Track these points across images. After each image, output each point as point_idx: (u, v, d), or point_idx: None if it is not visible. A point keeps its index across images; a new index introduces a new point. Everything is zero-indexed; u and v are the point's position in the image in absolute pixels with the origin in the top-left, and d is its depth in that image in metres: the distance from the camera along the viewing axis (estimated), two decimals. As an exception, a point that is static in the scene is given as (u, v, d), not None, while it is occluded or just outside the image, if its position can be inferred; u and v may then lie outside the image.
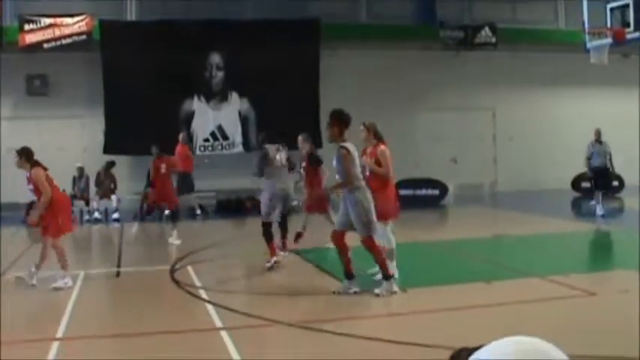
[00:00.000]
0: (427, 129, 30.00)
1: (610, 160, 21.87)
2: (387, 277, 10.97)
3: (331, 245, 14.73)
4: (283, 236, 15.17)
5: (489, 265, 14.05)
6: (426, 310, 10.01)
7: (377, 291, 10.78)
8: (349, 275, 11.08)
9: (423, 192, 26.85)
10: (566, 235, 17.58)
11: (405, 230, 16.49)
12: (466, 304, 10.27)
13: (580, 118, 30.06)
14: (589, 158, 21.65)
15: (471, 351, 2.69)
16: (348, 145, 11.16)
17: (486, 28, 30.11)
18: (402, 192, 26.06)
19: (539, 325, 8.51)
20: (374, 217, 11.00)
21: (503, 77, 30.62)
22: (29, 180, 12.35)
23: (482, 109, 30.73)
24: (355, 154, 11.27)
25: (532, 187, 29.42)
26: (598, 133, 21.82)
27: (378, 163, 12.00)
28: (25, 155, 12.42)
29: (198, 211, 24.00)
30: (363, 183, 11.17)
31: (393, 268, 11.51)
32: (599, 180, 21.61)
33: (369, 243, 11.04)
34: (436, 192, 27.06)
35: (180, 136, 23.77)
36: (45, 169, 12.34)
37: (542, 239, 16.88)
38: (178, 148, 23.04)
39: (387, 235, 11.73)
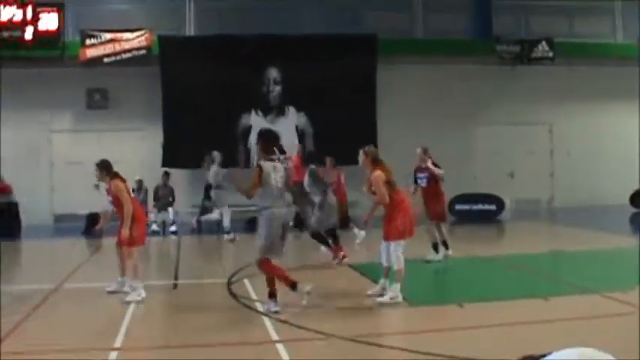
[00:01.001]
0: (484, 144, 29.88)
1: None
2: (293, 286, 11.24)
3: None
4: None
5: (547, 281, 13.96)
6: (482, 325, 9.98)
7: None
8: (273, 294, 11.14)
9: (480, 207, 26.75)
10: (624, 252, 17.39)
11: (462, 245, 16.49)
12: (524, 319, 10.23)
13: (638, 133, 29.80)
14: None
15: (537, 358, 2.73)
16: (267, 163, 11.18)
17: (543, 43, 29.97)
18: (459, 207, 26.14)
19: (597, 341, 8.39)
20: (271, 241, 11.08)
21: (560, 92, 30.40)
22: (108, 192, 12.55)
23: (539, 123, 30.54)
24: (277, 173, 11.27)
25: (589, 202, 29.15)
26: None
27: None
28: (105, 168, 12.64)
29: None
30: (280, 203, 11.27)
31: (397, 289, 11.49)
32: None
33: (261, 266, 11.19)
34: (493, 207, 26.93)
35: (297, 148, 24.19)
36: (124, 180, 12.51)
37: (599, 255, 16.72)
38: (296, 160, 23.58)
39: (396, 255, 11.62)
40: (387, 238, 11.72)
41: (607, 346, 7.89)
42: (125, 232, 12.02)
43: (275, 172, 11.27)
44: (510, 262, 16.18)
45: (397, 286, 11.46)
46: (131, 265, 12.14)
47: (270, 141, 12.00)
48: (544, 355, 2.74)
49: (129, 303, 11.53)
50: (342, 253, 16.08)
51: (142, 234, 12.53)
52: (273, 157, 11.53)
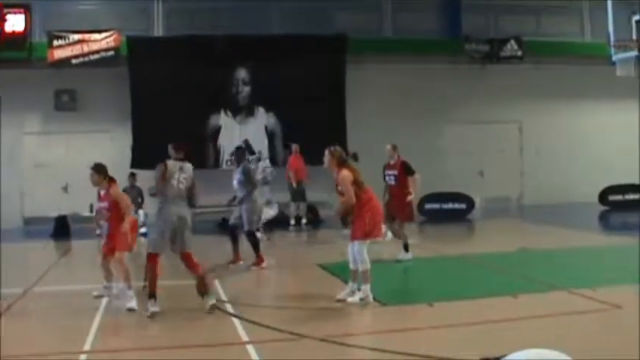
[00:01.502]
0: (453, 142, 29.96)
1: None
2: (203, 293, 11.28)
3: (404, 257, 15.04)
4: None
5: (516, 279, 14.00)
6: (452, 324, 10.00)
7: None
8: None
9: (450, 205, 26.82)
10: (593, 249, 17.51)
11: (431, 244, 16.53)
12: (493, 317, 10.26)
13: (606, 131, 30.03)
14: None
15: (492, 361, 2.73)
16: (173, 163, 11.44)
17: (512, 42, 30.12)
18: (428, 206, 26.21)
19: (566, 338, 8.51)
20: (160, 237, 11.29)
21: (529, 90, 30.53)
22: (103, 197, 12.43)
23: (508, 122, 30.66)
24: (182, 173, 11.67)
25: (559, 200, 29.29)
26: None
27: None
28: (103, 172, 12.46)
29: (304, 221, 24.33)
30: (179, 202, 11.44)
31: (367, 290, 11.46)
32: None
33: (148, 260, 11.48)
34: (463, 205, 27.02)
35: (295, 147, 24.43)
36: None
37: (569, 252, 16.83)
38: (294, 160, 24.36)
39: (362, 256, 11.54)
40: (353, 237, 11.66)
41: (575, 343, 7.96)
42: (124, 237, 11.96)
43: (180, 172, 11.38)
44: (480, 260, 16.23)
45: (367, 287, 11.43)
46: (124, 270, 12.01)
47: (182, 142, 12.23)
48: (503, 356, 2.74)
49: (132, 310, 11.42)
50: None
51: (133, 239, 12.51)
52: (182, 157, 11.62)
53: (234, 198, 16.29)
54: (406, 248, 15.94)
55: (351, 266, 11.69)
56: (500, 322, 9.99)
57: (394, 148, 16.56)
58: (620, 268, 14.51)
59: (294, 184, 24.07)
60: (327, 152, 11.92)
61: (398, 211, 16.09)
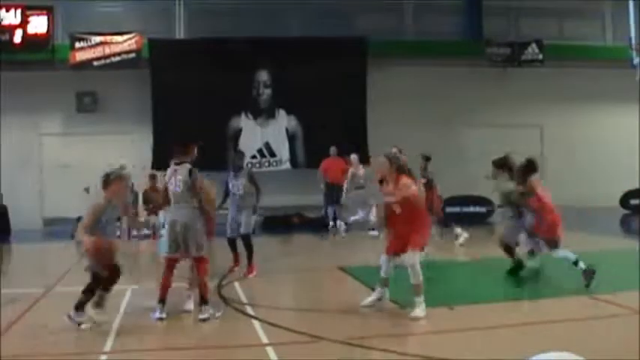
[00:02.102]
0: (474, 145, 29.87)
1: None
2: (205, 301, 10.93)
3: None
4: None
5: (537, 283, 13.96)
6: (471, 328, 9.98)
7: (201, 316, 10.77)
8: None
9: (471, 209, 26.79)
10: (615, 253, 17.42)
11: (452, 247, 16.49)
12: (513, 322, 10.24)
13: (628, 135, 29.86)
14: None
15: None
16: (169, 168, 11.43)
17: (533, 45, 30.04)
18: (449, 209, 26.13)
19: (587, 343, 8.49)
20: (170, 241, 11.16)
21: (550, 94, 30.43)
22: None
23: (529, 125, 30.56)
24: (176, 176, 11.43)
25: (580, 204, 29.11)
26: None
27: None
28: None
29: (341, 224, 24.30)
30: (180, 204, 11.24)
31: (422, 304, 10.86)
32: None
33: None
34: (483, 209, 26.99)
35: (332, 150, 24.52)
36: None
37: (590, 257, 16.71)
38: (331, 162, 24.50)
39: (417, 266, 10.95)
40: (410, 246, 10.91)
41: (596, 347, 7.93)
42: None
43: (175, 175, 11.35)
44: (500, 264, 16.17)
45: (421, 301, 10.88)
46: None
47: (180, 143, 12.28)
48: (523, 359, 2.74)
49: (188, 311, 11.41)
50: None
51: None
52: (182, 159, 11.58)
53: (224, 201, 15.88)
54: None
55: (384, 274, 11.35)
56: (519, 327, 9.97)
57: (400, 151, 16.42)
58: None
59: (328, 187, 23.94)
60: (384, 158, 11.20)
61: None
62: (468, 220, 25.46)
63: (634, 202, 28.35)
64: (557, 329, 9.77)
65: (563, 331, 9.66)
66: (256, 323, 10.43)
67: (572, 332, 9.55)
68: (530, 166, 13.99)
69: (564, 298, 11.88)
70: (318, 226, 24.28)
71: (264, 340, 9.49)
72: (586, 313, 10.73)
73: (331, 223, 23.99)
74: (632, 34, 21.52)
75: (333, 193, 23.75)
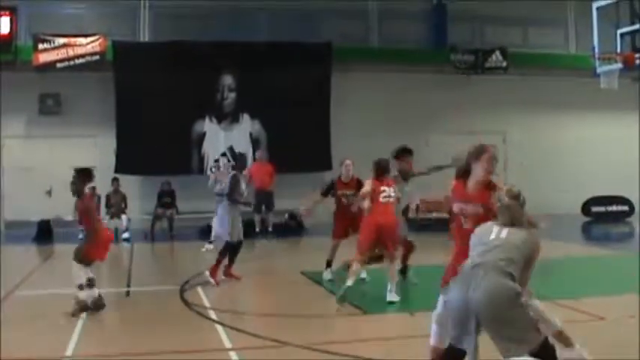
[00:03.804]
0: (438, 152, 29.89)
1: None
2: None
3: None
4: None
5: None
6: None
7: None
8: None
9: (434, 215, 26.87)
10: (576, 259, 17.57)
11: (416, 254, 16.51)
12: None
13: (590, 143, 30.13)
14: None
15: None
16: None
17: (497, 52, 30.19)
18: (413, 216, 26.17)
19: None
20: None
21: (514, 101, 30.62)
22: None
23: (493, 133, 30.58)
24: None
25: (542, 211, 29.02)
26: None
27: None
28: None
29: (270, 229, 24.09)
30: None
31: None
32: None
33: None
34: (446, 215, 27.05)
35: (259, 154, 24.36)
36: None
37: (552, 263, 16.85)
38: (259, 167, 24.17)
39: None
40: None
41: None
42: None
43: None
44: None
45: None
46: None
47: None
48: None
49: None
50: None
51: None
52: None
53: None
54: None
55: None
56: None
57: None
58: (603, 280, 14.58)
59: (256, 193, 23.41)
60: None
61: None
62: (430, 226, 25.59)
63: (595, 209, 28.59)
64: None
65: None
66: (220, 328, 10.41)
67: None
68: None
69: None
70: (280, 230, 24.22)
71: (228, 345, 9.48)
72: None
73: (257, 229, 23.82)
74: (595, 43, 21.67)
75: (261, 199, 23.45)
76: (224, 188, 17.74)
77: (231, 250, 15.12)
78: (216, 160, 27.36)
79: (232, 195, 15.26)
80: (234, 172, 16.08)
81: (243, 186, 15.55)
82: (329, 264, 15.07)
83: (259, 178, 23.42)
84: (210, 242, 19.97)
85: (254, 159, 25.89)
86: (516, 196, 7.18)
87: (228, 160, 26.02)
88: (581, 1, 27.53)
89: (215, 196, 19.76)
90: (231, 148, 27.75)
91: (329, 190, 15.56)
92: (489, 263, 6.46)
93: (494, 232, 6.81)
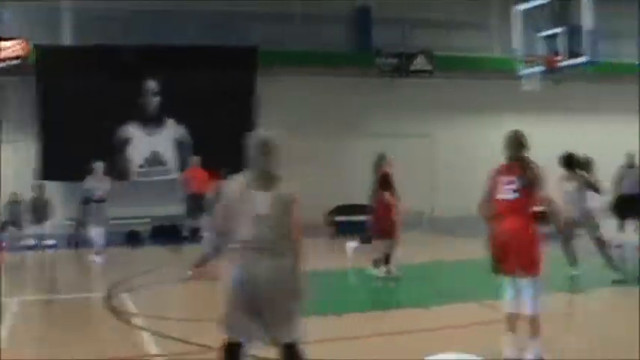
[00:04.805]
0: (364, 155, 29.98)
1: None
2: None
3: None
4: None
5: (429, 291, 14.11)
6: (365, 335, 10.01)
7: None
8: None
9: (360, 218, 26.91)
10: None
11: (344, 256, 16.54)
12: (405, 329, 10.30)
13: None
14: (617, 182, 20.10)
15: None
16: None
17: (422, 56, 30.40)
18: (338, 218, 26.27)
19: (476, 348, 8.55)
20: None
21: (439, 104, 30.88)
22: None
23: (419, 135, 30.88)
24: None
25: (470, 213, 29.39)
26: (630, 157, 20.29)
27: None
28: None
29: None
30: None
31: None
32: (628, 207, 19.65)
33: None
34: (371, 218, 27.13)
35: (194, 160, 24.09)
36: None
37: (480, 264, 16.94)
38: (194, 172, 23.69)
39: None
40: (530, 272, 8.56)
41: (485, 353, 8.00)
42: None
43: None
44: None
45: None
46: None
47: None
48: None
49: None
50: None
51: None
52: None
53: None
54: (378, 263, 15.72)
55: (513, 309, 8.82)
56: (412, 333, 10.03)
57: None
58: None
59: (192, 197, 23.28)
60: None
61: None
62: (356, 229, 25.65)
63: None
64: (448, 335, 9.88)
65: (454, 337, 9.77)
66: (146, 334, 10.28)
67: (464, 338, 9.66)
68: None
69: (455, 305, 12.02)
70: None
71: (154, 351, 9.37)
72: (476, 319, 10.87)
73: (186, 234, 23.61)
74: (518, 45, 21.93)
75: (196, 204, 23.19)
76: (100, 194, 17.87)
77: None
78: (141, 166, 27.16)
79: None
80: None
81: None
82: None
83: (195, 182, 23.30)
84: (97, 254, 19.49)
85: (185, 164, 25.73)
86: None
87: (152, 165, 25.93)
88: (504, 5, 27.80)
89: (93, 203, 19.46)
90: (155, 153, 27.52)
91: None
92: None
93: None
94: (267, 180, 6.70)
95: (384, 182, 15.59)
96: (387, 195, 15.47)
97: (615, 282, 13.84)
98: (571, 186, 14.87)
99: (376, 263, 15.50)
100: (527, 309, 8.45)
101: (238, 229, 6.54)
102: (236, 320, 6.58)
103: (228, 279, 6.56)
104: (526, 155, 9.30)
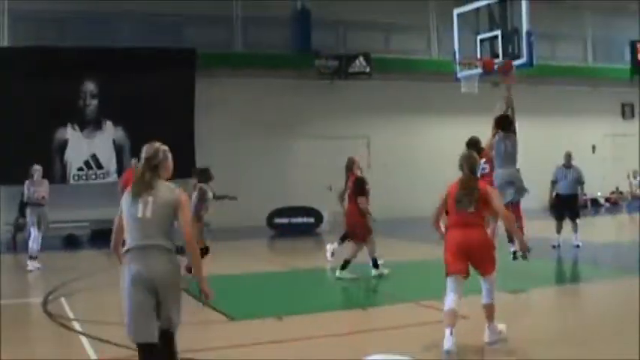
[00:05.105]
0: (302, 157, 30.10)
1: (581, 185, 20.37)
2: None
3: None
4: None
5: (366, 292, 14.18)
6: (300, 338, 10.04)
7: None
8: None
9: (299, 220, 26.99)
10: (435, 261, 17.82)
11: (282, 258, 16.57)
12: (342, 330, 10.35)
13: (452, 145, 30.64)
14: (554, 182, 20.35)
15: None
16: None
17: (361, 58, 30.53)
18: (278, 220, 26.30)
19: (413, 348, 8.64)
20: None
21: (377, 106, 31.05)
22: None
23: (357, 137, 31.01)
24: None
25: (407, 214, 29.70)
26: (567, 157, 20.45)
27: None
28: None
29: None
30: None
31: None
32: (565, 207, 20.01)
33: None
34: (311, 220, 27.23)
35: (133, 162, 23.96)
36: None
37: (418, 265, 17.11)
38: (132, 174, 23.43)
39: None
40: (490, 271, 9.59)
41: (421, 352, 8.10)
42: None
43: None
44: (329, 274, 16.37)
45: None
46: None
47: None
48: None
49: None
50: None
51: None
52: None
53: None
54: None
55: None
56: (350, 335, 10.09)
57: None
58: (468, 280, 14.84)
59: None
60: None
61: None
62: (297, 231, 25.71)
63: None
64: (385, 336, 9.95)
65: (391, 337, 9.84)
66: (84, 339, 10.22)
67: (400, 339, 9.74)
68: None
69: (391, 306, 12.11)
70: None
71: (93, 356, 9.33)
72: (412, 320, 10.97)
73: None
74: (457, 48, 22.08)
75: None
76: (38, 197, 17.76)
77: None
78: (79, 169, 26.95)
79: (198, 207, 15.23)
80: (200, 185, 15.81)
81: (210, 196, 15.61)
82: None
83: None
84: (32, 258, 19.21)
85: (122, 166, 25.61)
86: None
87: (90, 168, 25.72)
88: (442, 8, 28.04)
89: (31, 206, 19.19)
90: (94, 156, 27.33)
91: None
92: None
93: None
94: (150, 186, 7.14)
95: (358, 187, 15.64)
96: (361, 199, 15.51)
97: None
98: None
99: (345, 265, 15.56)
100: (483, 299, 9.51)
101: (127, 233, 7.07)
102: (136, 323, 6.97)
103: (122, 282, 6.98)
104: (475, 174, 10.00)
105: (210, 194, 15.61)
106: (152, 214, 6.94)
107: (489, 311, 9.48)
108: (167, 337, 7.11)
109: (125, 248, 7.03)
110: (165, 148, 7.72)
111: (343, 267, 15.32)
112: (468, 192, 9.48)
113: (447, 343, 8.84)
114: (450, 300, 9.33)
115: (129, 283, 6.89)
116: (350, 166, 16.10)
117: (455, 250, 9.49)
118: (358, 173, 15.96)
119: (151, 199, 6.99)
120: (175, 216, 6.96)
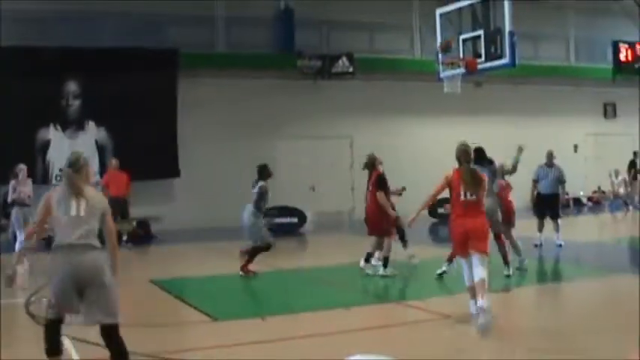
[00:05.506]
0: (286, 157, 30.09)
1: (562, 185, 20.19)
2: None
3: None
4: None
5: (349, 292, 14.18)
6: (285, 338, 10.04)
7: None
8: None
9: (282, 220, 26.97)
10: (425, 261, 17.85)
11: (264, 258, 16.54)
12: (326, 330, 10.34)
13: (436, 145, 30.75)
14: (535, 181, 20.20)
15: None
16: None
17: (344, 58, 30.54)
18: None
19: (398, 348, 8.65)
20: None
21: (360, 106, 31.07)
22: None
23: (340, 137, 31.04)
24: None
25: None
26: (549, 156, 20.30)
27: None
28: None
29: (125, 238, 23.29)
30: None
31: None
32: (546, 206, 20.02)
33: None
34: (295, 220, 27.25)
35: (114, 162, 23.90)
36: None
37: (401, 266, 17.10)
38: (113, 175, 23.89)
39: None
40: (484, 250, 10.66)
41: (404, 352, 8.10)
42: None
43: None
44: (313, 274, 16.38)
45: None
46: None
47: None
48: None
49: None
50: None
51: None
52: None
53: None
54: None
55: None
56: (332, 335, 10.08)
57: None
58: (452, 279, 14.88)
59: (111, 201, 22.94)
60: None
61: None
62: (280, 231, 25.66)
63: (441, 210, 29.12)
64: (370, 336, 9.95)
65: (376, 337, 9.85)
66: (66, 340, 10.17)
67: (385, 338, 9.75)
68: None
69: (376, 306, 12.11)
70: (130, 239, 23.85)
71: (75, 357, 9.28)
72: (397, 319, 10.98)
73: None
74: (439, 48, 22.13)
75: (117, 208, 22.88)
76: (23, 198, 17.68)
77: (260, 250, 16.10)
78: (61, 169, 26.82)
79: (259, 203, 16.38)
80: (262, 182, 16.79)
81: (269, 195, 16.75)
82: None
83: (114, 185, 23.19)
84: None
85: (104, 166, 25.56)
86: None
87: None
88: (425, 8, 28.06)
89: (16, 206, 19.08)
90: (77, 156, 27.18)
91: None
92: None
93: None
94: (78, 189, 7.57)
95: (381, 183, 15.81)
96: (380, 194, 15.65)
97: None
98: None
99: (369, 259, 15.68)
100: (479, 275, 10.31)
101: (57, 229, 7.52)
102: (62, 301, 7.60)
103: (52, 272, 7.50)
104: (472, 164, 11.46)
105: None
106: (86, 215, 7.56)
107: (482, 286, 10.17)
108: (108, 331, 7.90)
109: (55, 244, 7.45)
110: (85, 156, 8.00)
111: (384, 265, 15.32)
112: (475, 182, 10.86)
113: (472, 308, 10.37)
114: (467, 276, 10.62)
115: (59, 273, 7.44)
116: (372, 162, 16.29)
117: (460, 238, 10.77)
118: (381, 169, 16.11)
119: (82, 200, 7.53)
120: (103, 221, 7.76)
